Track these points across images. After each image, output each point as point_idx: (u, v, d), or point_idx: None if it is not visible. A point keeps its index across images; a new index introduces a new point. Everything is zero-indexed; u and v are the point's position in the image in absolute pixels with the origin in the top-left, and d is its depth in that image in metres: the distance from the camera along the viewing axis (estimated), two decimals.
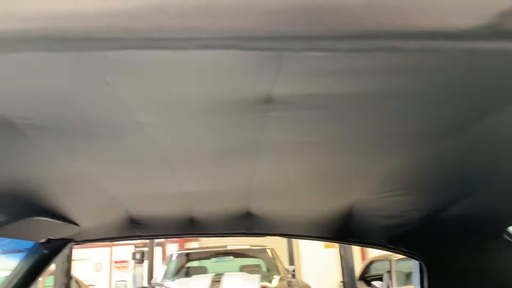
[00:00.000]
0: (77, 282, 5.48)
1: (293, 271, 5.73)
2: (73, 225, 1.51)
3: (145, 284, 7.17)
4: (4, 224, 1.36)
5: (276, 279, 5.06)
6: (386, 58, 0.54)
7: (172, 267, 5.56)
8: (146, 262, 7.15)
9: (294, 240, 7.02)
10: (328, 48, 0.49)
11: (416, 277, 1.50)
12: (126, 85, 0.62)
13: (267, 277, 4.97)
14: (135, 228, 1.72)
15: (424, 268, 1.46)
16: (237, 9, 0.43)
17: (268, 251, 5.84)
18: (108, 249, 10.47)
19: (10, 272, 1.74)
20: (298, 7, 0.43)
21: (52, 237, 1.65)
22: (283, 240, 6.77)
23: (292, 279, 5.24)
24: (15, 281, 1.70)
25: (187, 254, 6.02)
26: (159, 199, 1.46)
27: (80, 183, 1.18)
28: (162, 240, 9.06)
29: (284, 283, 4.90)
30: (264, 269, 5.68)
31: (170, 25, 0.45)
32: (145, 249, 7.22)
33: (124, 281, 10.11)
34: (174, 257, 5.77)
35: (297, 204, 1.50)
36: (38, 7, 0.43)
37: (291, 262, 6.68)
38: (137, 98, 0.66)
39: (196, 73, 0.58)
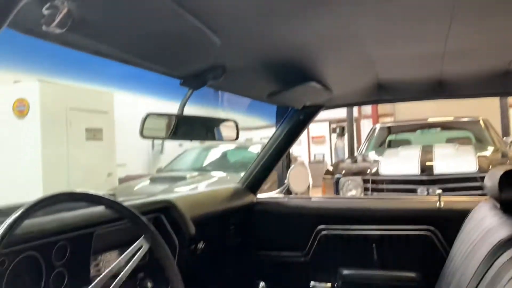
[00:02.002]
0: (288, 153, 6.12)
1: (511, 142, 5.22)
2: (328, 91, 1.62)
3: (346, 156, 7.62)
4: (277, 92, 1.54)
5: (490, 150, 4.70)
6: None
7: (376, 139, 5.67)
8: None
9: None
10: None
11: None
12: None
13: (480, 149, 4.65)
14: (383, 92, 1.75)
15: None
16: None
17: (481, 121, 5.40)
18: None
19: (269, 138, 2.01)
20: None
21: (308, 103, 1.81)
22: (495, 112, 6.16)
23: (509, 151, 4.81)
24: (275, 144, 1.97)
25: (391, 127, 6.02)
26: (410, 61, 1.43)
27: (340, 47, 1.22)
28: (356, 115, 9.26)
29: (500, 155, 4.54)
30: (474, 141, 5.33)
31: None
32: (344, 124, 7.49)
33: (322, 154, 10.92)
34: (377, 130, 5.84)
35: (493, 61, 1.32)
36: None
37: (505, 133, 6.09)
38: None
39: None
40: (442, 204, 1.71)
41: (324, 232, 1.84)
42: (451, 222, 1.47)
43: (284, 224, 1.92)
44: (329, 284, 1.81)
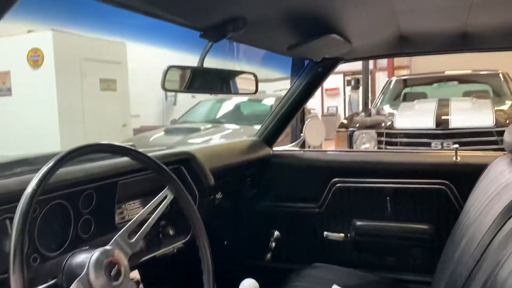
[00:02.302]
0: None
1: None
2: (348, 44, 1.59)
3: (360, 109, 7.57)
4: (296, 45, 1.51)
5: (508, 104, 4.62)
6: None
7: (391, 92, 5.60)
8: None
9: None
10: None
11: None
12: None
13: (498, 103, 4.57)
14: (404, 45, 1.71)
15: None
16: None
17: (500, 75, 5.27)
18: None
19: (287, 90, 2.00)
20: None
21: (327, 56, 1.79)
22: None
23: None
24: (292, 97, 1.96)
25: (407, 80, 5.92)
26: (434, 12, 1.38)
27: None
28: (371, 68, 9.09)
29: None
30: (492, 95, 5.23)
31: None
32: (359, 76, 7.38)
33: (335, 106, 10.85)
34: (393, 83, 5.76)
35: None
36: None
37: None
38: None
39: None
40: (459, 158, 1.72)
41: (338, 185, 1.87)
42: (466, 177, 1.48)
43: (299, 177, 1.96)
44: (342, 235, 1.87)
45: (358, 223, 1.84)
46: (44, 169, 0.78)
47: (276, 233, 1.98)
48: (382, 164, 1.86)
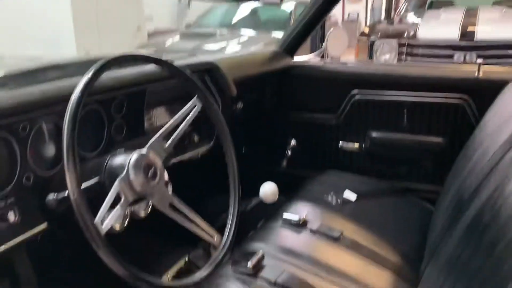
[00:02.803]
0: None
1: None
2: None
3: (383, 17, 7.24)
4: None
5: None
6: None
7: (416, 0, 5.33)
8: None
9: None
10: None
11: None
12: None
13: None
14: None
15: None
16: None
17: None
18: None
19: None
20: None
21: None
22: None
23: None
24: (317, 4, 1.90)
25: None
26: None
27: None
28: None
29: None
30: None
31: None
32: None
33: (356, 13, 10.39)
34: None
35: None
36: None
37: None
38: None
39: None
40: (481, 73, 1.71)
41: (357, 97, 1.90)
42: (487, 92, 1.49)
43: (318, 87, 1.98)
44: (357, 145, 1.94)
45: (374, 134, 1.90)
46: (89, 74, 0.84)
47: (293, 141, 2.06)
48: (401, 77, 1.86)
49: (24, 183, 0.92)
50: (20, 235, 0.91)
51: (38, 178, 0.95)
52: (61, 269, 1.34)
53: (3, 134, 0.88)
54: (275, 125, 2.08)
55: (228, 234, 1.04)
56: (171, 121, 1.03)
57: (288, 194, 1.58)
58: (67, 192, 0.83)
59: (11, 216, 0.89)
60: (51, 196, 0.91)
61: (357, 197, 1.54)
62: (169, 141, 1.01)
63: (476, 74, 1.71)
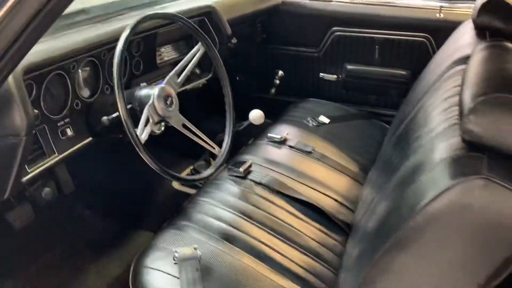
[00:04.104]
0: None
1: None
2: None
3: None
4: None
5: None
6: None
7: None
8: None
9: None
10: None
11: None
12: None
13: None
14: None
15: None
16: None
17: None
18: None
19: None
20: None
21: None
22: None
23: None
24: None
25: None
26: None
27: None
28: None
29: None
30: None
31: None
32: None
33: None
34: None
35: None
36: None
37: None
38: None
39: None
40: (442, 15, 1.98)
41: (337, 33, 2.17)
42: (446, 32, 1.75)
43: (303, 24, 2.24)
44: (334, 76, 2.25)
45: (349, 67, 2.20)
46: (128, 29, 1.15)
47: (280, 72, 2.36)
48: (376, 17, 2.12)
49: (75, 107, 1.25)
50: (74, 146, 1.26)
51: (83, 103, 1.28)
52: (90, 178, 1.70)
53: (59, 72, 1.19)
54: (264, 57, 2.37)
55: (226, 146, 1.39)
56: (182, 62, 1.34)
57: (273, 118, 1.92)
58: (116, 113, 1.17)
59: (69, 132, 1.23)
60: (105, 117, 1.23)
61: (330, 120, 1.88)
62: (181, 77, 1.33)
63: (437, 15, 1.99)
